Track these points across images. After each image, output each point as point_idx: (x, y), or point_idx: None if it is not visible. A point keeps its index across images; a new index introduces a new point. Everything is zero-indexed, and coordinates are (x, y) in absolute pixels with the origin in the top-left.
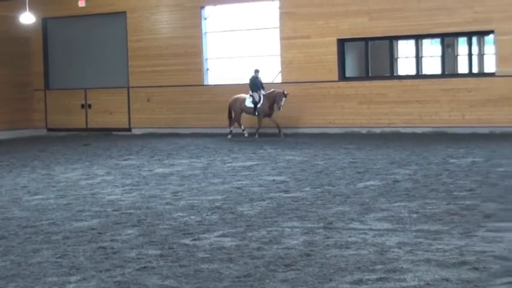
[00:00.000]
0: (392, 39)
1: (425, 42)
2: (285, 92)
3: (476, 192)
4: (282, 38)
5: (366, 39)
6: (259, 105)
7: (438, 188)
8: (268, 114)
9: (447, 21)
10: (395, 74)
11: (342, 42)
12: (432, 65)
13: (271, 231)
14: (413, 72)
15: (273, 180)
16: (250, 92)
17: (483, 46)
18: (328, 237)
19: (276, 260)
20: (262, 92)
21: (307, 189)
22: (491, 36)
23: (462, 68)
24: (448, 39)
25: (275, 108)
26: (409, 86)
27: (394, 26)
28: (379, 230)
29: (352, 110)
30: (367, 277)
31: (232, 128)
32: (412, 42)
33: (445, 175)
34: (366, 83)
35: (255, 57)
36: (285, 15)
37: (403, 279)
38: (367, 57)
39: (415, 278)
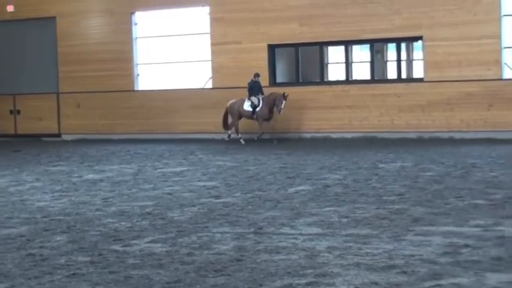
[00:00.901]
0: (322, 45)
1: (355, 48)
2: (285, 95)
3: (405, 197)
4: (212, 44)
5: (296, 45)
6: (258, 109)
7: (368, 192)
8: (268, 118)
9: (376, 27)
10: (325, 80)
11: (272, 48)
12: (362, 70)
13: (201, 236)
14: (343, 77)
15: (204, 185)
16: (248, 96)
17: (412, 52)
18: (258, 242)
19: (207, 266)
20: (261, 96)
21: (238, 194)
22: (419, 42)
23: (391, 73)
24: (377, 45)
25: (275, 112)
26: (339, 92)
27: (324, 32)
28: (309, 234)
29: (283, 115)
30: (297, 282)
31: (230, 132)
32: (341, 48)
33: (374, 180)
34: (297, 89)
35: (186, 63)
36: (215, 20)
37: (332, 284)
38: (298, 62)
39: (345, 282)
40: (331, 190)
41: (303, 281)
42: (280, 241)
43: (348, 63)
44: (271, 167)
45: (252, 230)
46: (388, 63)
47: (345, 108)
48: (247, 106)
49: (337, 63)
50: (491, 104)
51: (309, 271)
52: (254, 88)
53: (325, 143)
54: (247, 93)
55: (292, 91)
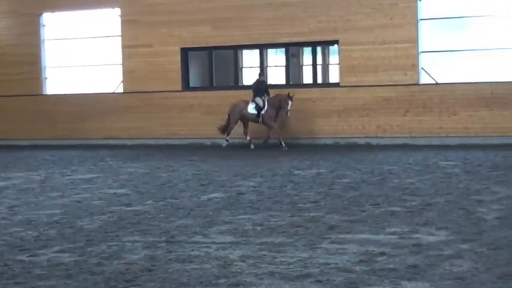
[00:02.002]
0: (236, 49)
1: (270, 52)
2: (290, 95)
3: (320, 204)
4: (123, 47)
5: (210, 49)
6: (263, 112)
7: (283, 199)
8: (274, 121)
9: (292, 30)
10: (240, 84)
11: (185, 52)
12: (277, 74)
13: (111, 246)
14: None
15: (114, 193)
16: (253, 97)
17: (328, 56)
18: (170, 252)
19: (117, 276)
20: (267, 97)
21: (149, 202)
22: (335, 46)
23: (307, 78)
24: (292, 49)
25: (281, 114)
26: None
27: (238, 35)
28: (223, 243)
29: (197, 120)
30: None
31: (249, 138)
32: (256, 51)
33: (289, 187)
34: (211, 93)
35: (96, 66)
36: (127, 23)
37: None
38: (212, 66)
39: None
40: (246, 197)
41: None
42: (192, 250)
43: (263, 68)
44: (184, 173)
45: (163, 238)
46: (303, 67)
47: None
48: (251, 109)
49: (252, 67)
50: (407, 110)
51: (222, 280)
52: (259, 89)
53: (240, 149)
54: (252, 94)
55: (206, 96)
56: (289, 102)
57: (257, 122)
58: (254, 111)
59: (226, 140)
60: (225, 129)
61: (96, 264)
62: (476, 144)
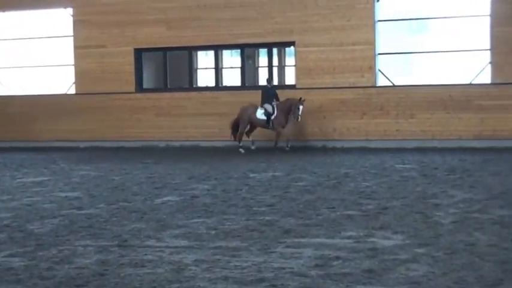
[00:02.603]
0: (191, 50)
1: (225, 53)
2: (301, 99)
3: (276, 208)
4: (75, 47)
5: (164, 49)
6: (273, 117)
7: (237, 203)
8: (284, 126)
9: (247, 31)
10: (194, 86)
11: (139, 52)
12: (232, 76)
13: (62, 250)
14: (213, 83)
15: (66, 196)
16: (262, 103)
17: (284, 58)
18: (122, 256)
19: (68, 281)
20: (276, 103)
21: (101, 205)
22: (292, 47)
23: (263, 79)
24: (248, 50)
25: (291, 119)
26: (208, 98)
27: (193, 36)
28: (176, 247)
29: (150, 122)
30: None
31: (252, 139)
32: (211, 53)
33: (244, 190)
34: (164, 95)
35: (48, 67)
36: (79, 23)
37: None
38: (166, 68)
39: None
40: (200, 201)
41: None
42: (145, 254)
43: (218, 69)
44: (137, 176)
45: (116, 242)
46: (259, 69)
47: (215, 115)
48: (260, 114)
49: (207, 68)
50: (364, 112)
51: (175, 285)
52: (268, 94)
53: (194, 151)
54: (260, 100)
55: (159, 97)
56: (300, 107)
57: (267, 127)
58: (263, 117)
59: (241, 146)
60: (235, 132)
61: (47, 268)
62: (433, 148)
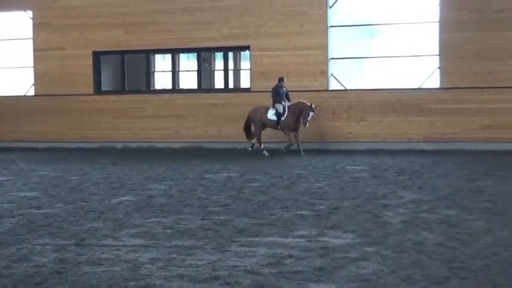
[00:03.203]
0: (149, 53)
1: (182, 57)
2: (313, 106)
3: (230, 207)
4: (35, 50)
5: (122, 52)
6: (283, 118)
7: (193, 203)
8: (295, 129)
9: (204, 35)
10: (152, 88)
11: (97, 55)
12: (189, 79)
13: (21, 248)
14: (170, 86)
15: (25, 196)
16: (273, 103)
17: (239, 61)
18: (80, 254)
19: (26, 279)
20: (287, 103)
21: (59, 205)
22: (247, 52)
23: (218, 83)
24: (204, 54)
25: (300, 123)
26: (165, 101)
27: (151, 40)
28: (133, 246)
29: (108, 124)
30: None
31: (253, 141)
32: (168, 56)
33: (200, 190)
34: (122, 97)
35: (7, 69)
36: (39, 26)
37: None
38: (124, 70)
39: None
40: (156, 201)
41: None
42: (102, 253)
43: (175, 72)
44: (95, 177)
45: (73, 241)
46: (215, 72)
47: (172, 117)
48: (271, 115)
49: (164, 71)
50: (317, 115)
51: (132, 283)
52: (280, 94)
53: (151, 152)
54: (271, 99)
55: (117, 100)
56: (310, 113)
57: (276, 128)
58: (274, 118)
59: (263, 149)
60: (248, 134)
61: (5, 267)
62: (383, 150)
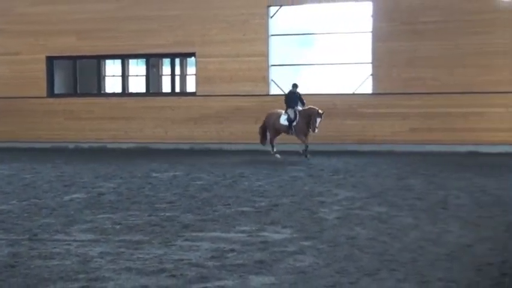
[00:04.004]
0: (100, 59)
1: (132, 62)
2: (320, 112)
3: (176, 204)
4: None
5: (74, 58)
6: (294, 123)
7: (141, 200)
8: (306, 133)
9: (152, 42)
10: (102, 92)
11: (51, 60)
12: (138, 83)
13: None
14: (119, 90)
15: None
16: (286, 107)
17: (185, 67)
18: (33, 249)
19: None
20: (299, 108)
21: (13, 202)
22: (192, 58)
23: (166, 87)
24: (152, 60)
25: (310, 129)
26: (115, 104)
27: (102, 46)
28: (83, 240)
29: (61, 125)
30: (70, 286)
31: (265, 144)
32: (118, 61)
33: (147, 188)
34: (74, 100)
35: None
36: None
37: (104, 287)
38: (76, 75)
39: (116, 286)
40: (106, 198)
41: (76, 285)
42: (54, 247)
43: (125, 77)
44: (47, 175)
45: (26, 236)
46: (163, 77)
47: (121, 119)
48: (283, 120)
49: (114, 76)
50: (258, 118)
51: (82, 276)
52: (292, 99)
53: (101, 152)
54: (285, 105)
55: (70, 102)
56: (318, 119)
57: (288, 133)
58: (286, 123)
59: (275, 152)
60: (263, 138)
61: None
62: (320, 151)
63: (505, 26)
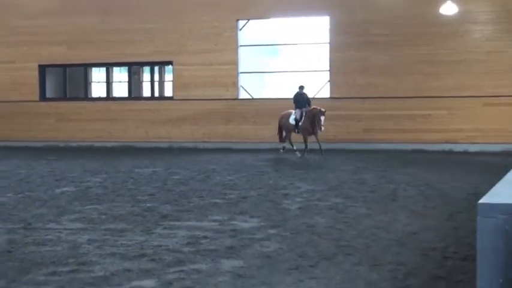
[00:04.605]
0: (87, 67)
1: (115, 70)
2: (322, 110)
3: (155, 197)
4: None
5: (64, 66)
6: (300, 123)
7: (124, 193)
8: (312, 133)
9: (134, 52)
10: (89, 96)
11: (43, 68)
12: (121, 89)
13: None
14: (104, 95)
15: None
16: (295, 108)
17: (164, 74)
18: (27, 236)
19: None
20: (307, 108)
21: (9, 194)
22: (170, 66)
23: (146, 92)
24: (134, 68)
25: (316, 128)
26: (101, 107)
27: (89, 55)
28: (72, 229)
29: (52, 126)
30: (60, 269)
31: (285, 145)
32: (103, 69)
33: (130, 182)
34: (64, 103)
35: None
36: None
37: (91, 271)
38: (65, 81)
39: (102, 269)
40: (93, 191)
41: (66, 269)
42: (46, 235)
43: (109, 83)
44: (40, 171)
45: (21, 225)
46: (143, 83)
47: (106, 121)
48: (291, 120)
49: (100, 82)
50: (229, 120)
51: (71, 260)
52: (299, 100)
53: (89, 150)
54: (294, 105)
55: (60, 105)
56: (322, 118)
57: (295, 132)
58: (293, 122)
59: (295, 150)
60: (281, 137)
61: None
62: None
63: (446, 38)
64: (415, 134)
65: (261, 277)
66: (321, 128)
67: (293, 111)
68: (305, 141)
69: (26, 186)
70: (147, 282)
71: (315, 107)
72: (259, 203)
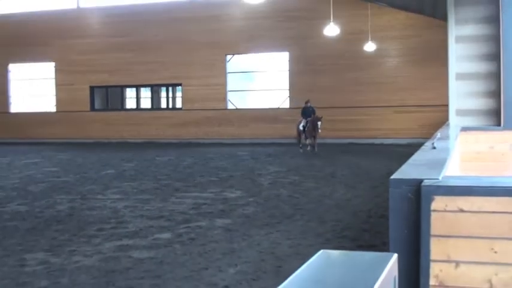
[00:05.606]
0: (122, 87)
1: (142, 89)
2: (319, 117)
3: (170, 176)
4: (57, 85)
5: (106, 87)
6: (306, 129)
7: (149, 174)
8: (313, 136)
9: (155, 77)
10: (124, 108)
11: (92, 88)
12: (146, 102)
13: (48, 201)
14: (135, 106)
15: (49, 170)
16: (302, 117)
17: (175, 92)
18: (83, 204)
19: (51, 218)
20: (313, 117)
21: (71, 175)
22: (180, 86)
23: (163, 104)
24: (155, 88)
25: (316, 131)
26: (132, 115)
27: (124, 80)
28: (113, 199)
29: (98, 128)
30: (105, 226)
31: (308, 141)
32: (134, 89)
33: (152, 167)
34: (107, 113)
35: (39, 97)
36: (59, 71)
37: (126, 227)
38: (107, 97)
39: (134, 226)
40: (127, 173)
41: (109, 226)
42: (96, 203)
43: (138, 98)
44: (91, 159)
45: (79, 196)
46: (161, 98)
47: (136, 124)
48: (301, 126)
49: (131, 98)
50: (220, 123)
51: (113, 220)
52: (306, 112)
53: (124, 145)
54: (301, 116)
55: (104, 114)
56: (319, 123)
57: (302, 134)
58: (302, 128)
59: (300, 147)
60: (299, 140)
61: (38, 212)
62: (260, 143)
63: (368, 67)
64: (349, 132)
65: (243, 230)
66: (318, 130)
67: (303, 120)
68: (304, 140)
69: (81, 169)
70: (165, 234)
71: (315, 115)
72: (242, 180)
